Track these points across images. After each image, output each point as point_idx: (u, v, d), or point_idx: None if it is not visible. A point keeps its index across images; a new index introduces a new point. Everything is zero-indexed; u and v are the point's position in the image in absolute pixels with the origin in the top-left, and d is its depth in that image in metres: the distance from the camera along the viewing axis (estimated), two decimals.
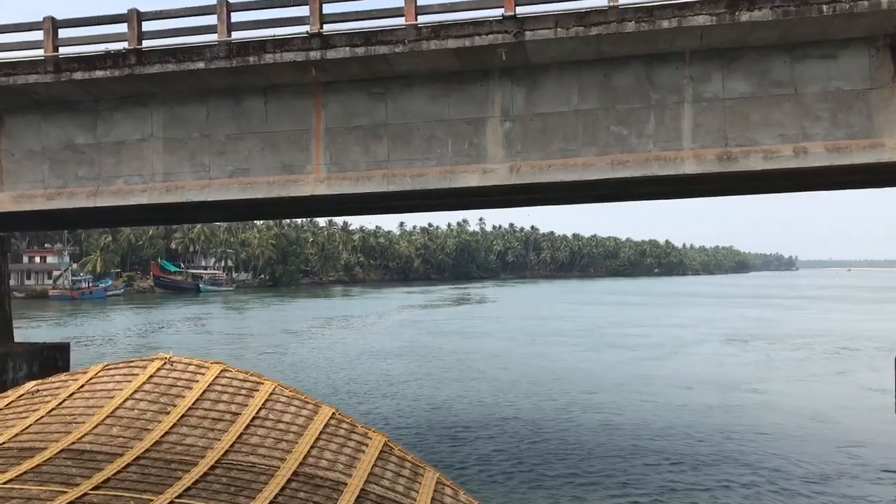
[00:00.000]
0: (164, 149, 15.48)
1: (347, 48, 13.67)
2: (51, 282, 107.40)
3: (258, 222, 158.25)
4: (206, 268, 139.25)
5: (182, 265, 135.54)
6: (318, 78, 14.38)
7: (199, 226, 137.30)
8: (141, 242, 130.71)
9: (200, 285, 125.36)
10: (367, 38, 13.65)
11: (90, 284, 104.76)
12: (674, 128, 13.70)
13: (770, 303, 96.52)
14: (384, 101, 14.62)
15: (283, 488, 3.33)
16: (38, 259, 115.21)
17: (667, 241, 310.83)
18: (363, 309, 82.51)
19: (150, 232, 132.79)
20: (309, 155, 14.79)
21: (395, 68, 14.12)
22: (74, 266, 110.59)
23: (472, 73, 14.28)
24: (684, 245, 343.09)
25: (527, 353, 42.19)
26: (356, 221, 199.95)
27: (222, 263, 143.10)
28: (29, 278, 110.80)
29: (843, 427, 23.04)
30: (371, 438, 4.02)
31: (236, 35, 14.28)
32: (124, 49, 14.48)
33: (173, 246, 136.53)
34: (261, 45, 13.95)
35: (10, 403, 4.13)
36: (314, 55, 13.75)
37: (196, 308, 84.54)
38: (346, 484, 3.51)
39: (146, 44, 14.56)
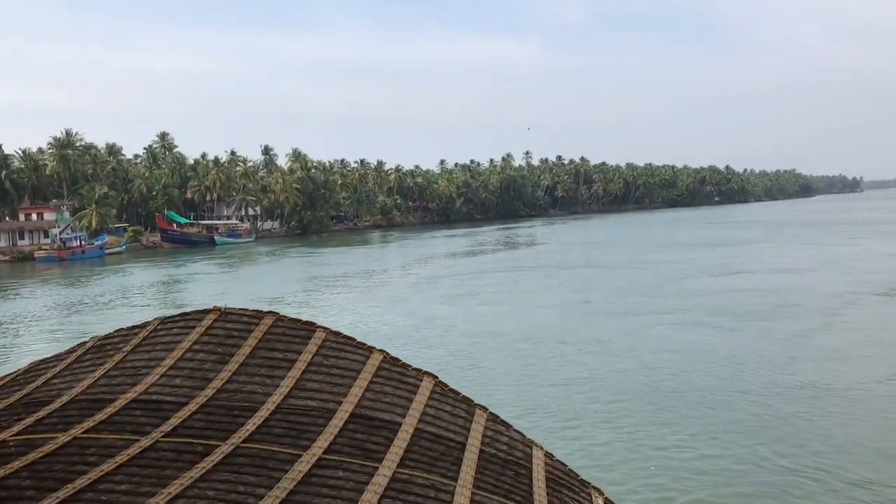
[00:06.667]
0: None
1: None
2: (48, 241, 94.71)
3: (283, 164, 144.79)
4: (228, 217, 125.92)
5: (202, 215, 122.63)
6: None
7: (213, 171, 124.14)
8: (154, 193, 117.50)
9: (216, 237, 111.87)
10: None
11: (83, 242, 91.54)
12: None
13: (886, 231, 79.76)
14: None
15: (341, 430, 3.51)
16: (34, 216, 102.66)
17: (727, 167, 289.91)
18: (389, 260, 68.92)
19: (163, 180, 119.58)
20: None
21: None
22: (74, 222, 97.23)
23: None
24: (745, 170, 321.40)
25: (590, 333, 27.56)
26: (391, 160, 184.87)
27: (243, 212, 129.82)
28: (22, 238, 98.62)
29: None
30: (422, 379, 4.20)
31: None
32: None
33: (189, 195, 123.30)
34: None
35: (78, 357, 4.36)
36: None
37: (197, 266, 72.38)
38: (401, 423, 3.72)
39: None
